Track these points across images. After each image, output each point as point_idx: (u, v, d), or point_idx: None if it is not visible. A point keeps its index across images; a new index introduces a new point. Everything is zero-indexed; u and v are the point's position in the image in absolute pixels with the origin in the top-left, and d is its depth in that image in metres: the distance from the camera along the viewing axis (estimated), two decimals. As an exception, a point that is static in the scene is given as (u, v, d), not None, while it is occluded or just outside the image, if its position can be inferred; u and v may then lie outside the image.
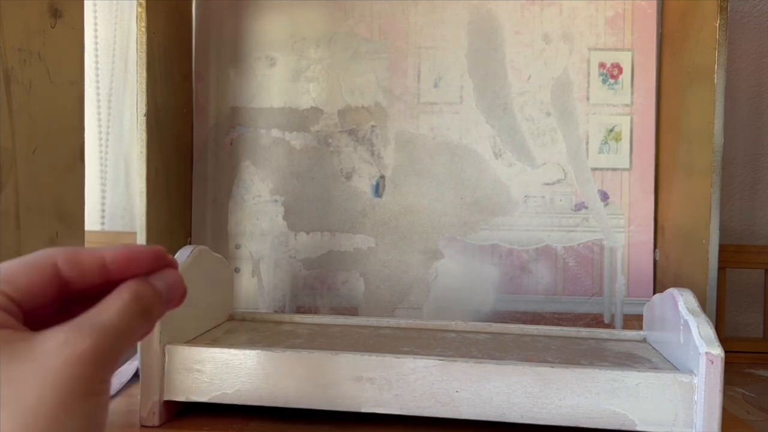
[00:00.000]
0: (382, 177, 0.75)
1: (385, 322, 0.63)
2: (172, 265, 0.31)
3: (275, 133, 0.76)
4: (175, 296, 0.30)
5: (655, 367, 0.50)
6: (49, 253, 0.28)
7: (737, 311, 0.82)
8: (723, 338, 0.64)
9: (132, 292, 0.28)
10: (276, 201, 0.75)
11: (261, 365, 0.49)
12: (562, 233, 0.73)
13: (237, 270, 0.75)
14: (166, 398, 0.50)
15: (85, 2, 0.58)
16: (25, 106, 0.49)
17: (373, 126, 0.75)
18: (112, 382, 0.27)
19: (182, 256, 0.55)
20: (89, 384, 0.25)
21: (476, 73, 0.74)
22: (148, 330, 0.29)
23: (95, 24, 0.87)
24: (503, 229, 0.74)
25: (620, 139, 0.73)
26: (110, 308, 0.27)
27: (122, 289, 0.28)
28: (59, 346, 0.25)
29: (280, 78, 0.76)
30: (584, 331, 0.61)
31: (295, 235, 0.75)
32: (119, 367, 0.27)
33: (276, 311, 0.75)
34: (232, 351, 0.50)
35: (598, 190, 0.73)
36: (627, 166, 0.73)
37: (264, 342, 0.55)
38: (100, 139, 0.88)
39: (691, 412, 0.46)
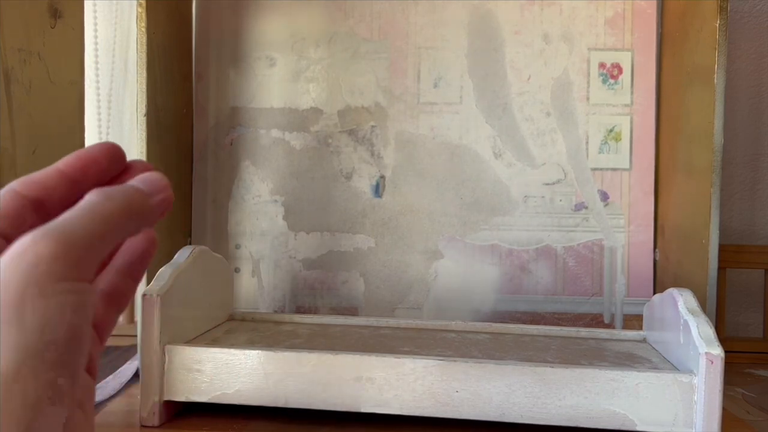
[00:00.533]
0: (382, 177, 0.75)
1: (385, 322, 0.63)
2: (125, 162, 0.30)
3: (275, 133, 0.76)
4: (159, 185, 0.29)
5: (655, 367, 0.50)
6: (7, 186, 0.28)
7: (737, 311, 0.82)
8: (723, 338, 0.64)
9: (100, 190, 0.27)
10: (276, 201, 0.75)
11: (261, 365, 0.49)
12: (562, 233, 0.73)
13: (237, 270, 0.75)
14: (166, 398, 0.50)
15: (85, 2, 0.58)
16: (25, 106, 0.49)
17: (373, 126, 0.75)
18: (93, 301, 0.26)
19: (182, 256, 0.55)
20: (43, 287, 0.23)
21: (476, 73, 0.74)
22: (137, 224, 0.28)
23: (95, 24, 0.87)
24: (503, 229, 0.74)
25: (620, 139, 0.73)
26: (77, 208, 0.26)
27: (91, 192, 0.27)
28: (17, 251, 0.24)
29: (280, 78, 0.76)
30: (584, 331, 0.61)
31: (295, 235, 0.75)
32: (97, 266, 0.26)
33: (276, 311, 0.75)
34: (232, 351, 0.50)
35: (598, 190, 0.73)
36: (627, 166, 0.73)
37: (264, 342, 0.55)
38: (100, 139, 0.88)
39: (691, 412, 0.46)
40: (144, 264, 0.31)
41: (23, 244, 0.24)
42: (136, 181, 0.29)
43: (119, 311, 0.30)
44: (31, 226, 0.27)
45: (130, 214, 0.27)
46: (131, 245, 0.31)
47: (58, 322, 0.23)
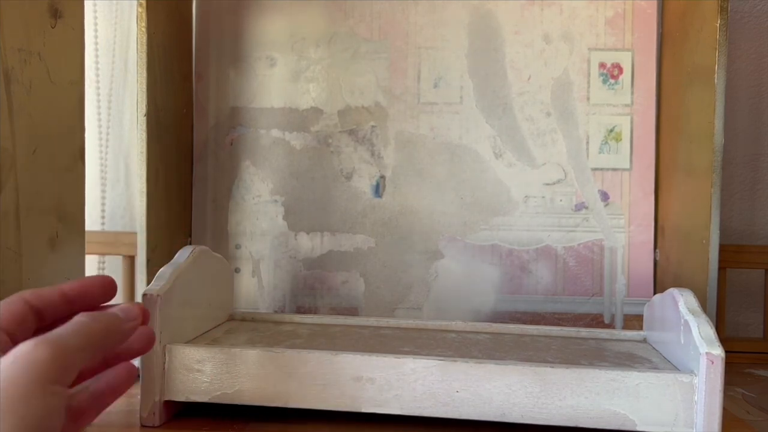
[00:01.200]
0: (382, 177, 0.75)
1: (385, 322, 0.63)
2: (114, 290, 0.38)
3: (275, 133, 0.76)
4: (133, 315, 0.36)
5: (655, 367, 0.50)
6: (18, 293, 0.35)
7: (737, 311, 0.82)
8: (723, 338, 0.64)
9: (88, 313, 0.34)
10: (276, 201, 0.75)
11: (261, 365, 0.49)
12: (562, 233, 0.73)
13: (237, 270, 0.75)
14: (166, 398, 0.50)
15: (85, 2, 0.57)
16: (25, 106, 0.49)
17: (373, 126, 0.75)
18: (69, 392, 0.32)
19: (182, 256, 0.55)
20: (39, 387, 0.29)
21: (476, 73, 0.74)
22: (112, 343, 0.35)
23: (95, 24, 0.87)
24: (503, 229, 0.74)
25: (620, 139, 0.73)
26: (69, 324, 0.33)
27: (80, 314, 0.34)
28: (20, 354, 0.29)
29: (280, 78, 0.76)
30: (584, 332, 0.61)
31: (295, 235, 0.75)
32: (77, 374, 0.32)
33: (276, 311, 0.75)
34: (233, 351, 0.50)
35: (598, 190, 0.73)
36: (627, 166, 0.73)
37: (264, 342, 0.55)
38: (100, 139, 0.88)
39: (691, 412, 0.46)
40: (115, 396, 0.37)
41: (24, 349, 0.30)
42: (117, 309, 0.36)
43: (78, 429, 0.35)
44: (30, 329, 0.34)
45: (109, 334, 0.34)
46: (111, 376, 0.37)
47: (45, 418, 0.29)
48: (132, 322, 0.36)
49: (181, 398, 0.50)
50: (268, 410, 0.50)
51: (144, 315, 0.38)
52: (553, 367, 0.47)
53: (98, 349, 0.34)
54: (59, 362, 0.30)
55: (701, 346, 0.45)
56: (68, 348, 0.31)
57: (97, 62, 0.87)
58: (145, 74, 0.64)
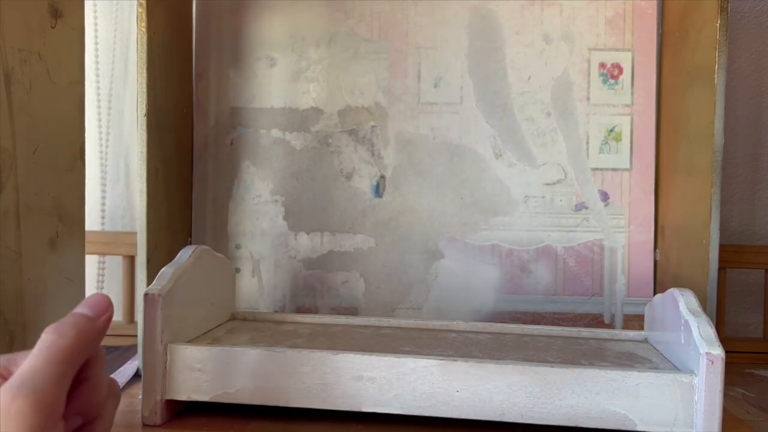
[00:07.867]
0: (383, 177, 0.75)
1: (385, 322, 0.63)
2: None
3: (275, 133, 0.76)
4: (102, 308, 0.32)
5: (655, 368, 0.50)
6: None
7: (737, 311, 0.82)
8: (723, 338, 0.64)
9: (53, 328, 0.30)
10: (276, 201, 0.75)
11: (262, 365, 0.49)
12: (562, 233, 0.73)
13: (237, 270, 0.75)
14: (167, 397, 0.50)
15: (85, 2, 0.57)
16: (25, 106, 0.49)
17: (373, 126, 0.75)
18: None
19: (184, 255, 0.55)
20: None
21: (476, 73, 0.74)
22: (89, 351, 0.31)
23: (95, 24, 0.87)
24: (503, 229, 0.74)
25: (620, 140, 0.73)
26: (39, 354, 0.29)
27: (45, 331, 0.30)
28: (3, 410, 0.27)
29: (280, 78, 0.76)
30: (585, 332, 0.61)
31: (295, 235, 0.75)
32: (63, 404, 0.29)
33: (276, 311, 0.75)
34: (234, 350, 0.50)
35: (598, 190, 0.73)
36: (627, 166, 0.73)
37: (265, 341, 0.56)
38: (100, 139, 0.88)
39: (691, 412, 0.46)
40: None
41: (3, 403, 0.27)
42: (83, 307, 0.32)
43: None
44: None
45: (82, 344, 0.30)
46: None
47: None
48: (104, 315, 0.32)
49: (183, 397, 0.50)
50: (269, 409, 0.50)
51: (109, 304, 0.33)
52: (553, 367, 0.47)
53: (77, 363, 0.30)
54: (45, 409, 0.27)
55: (701, 346, 0.45)
56: (45, 388, 0.28)
57: (97, 62, 0.87)
58: (145, 74, 0.64)
